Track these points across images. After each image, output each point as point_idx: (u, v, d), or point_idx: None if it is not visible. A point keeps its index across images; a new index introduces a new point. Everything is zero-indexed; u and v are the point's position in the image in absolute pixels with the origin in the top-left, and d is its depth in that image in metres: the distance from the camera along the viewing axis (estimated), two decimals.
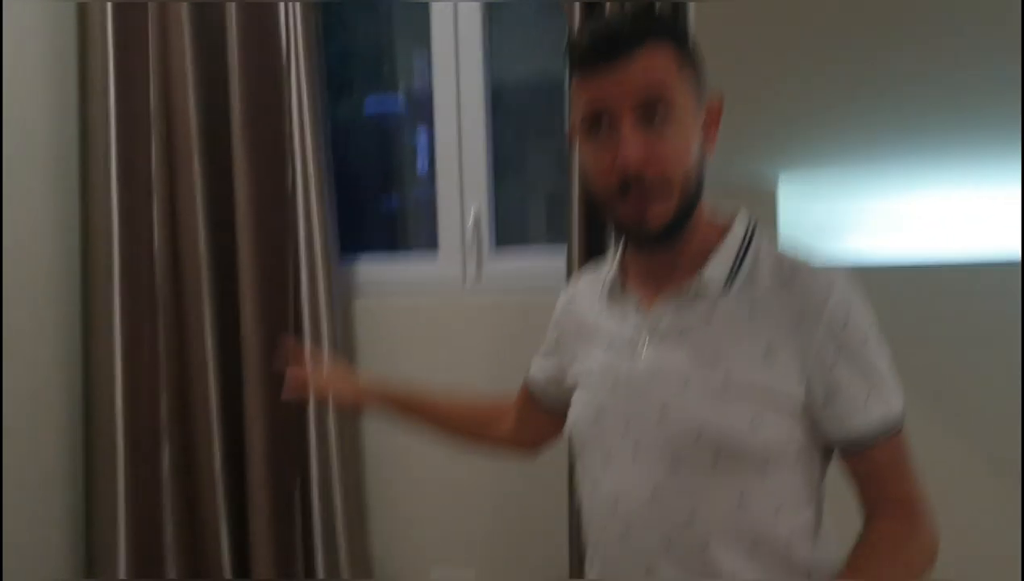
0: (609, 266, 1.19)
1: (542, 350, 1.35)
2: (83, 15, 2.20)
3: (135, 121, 2.18)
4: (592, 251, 2.01)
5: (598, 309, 1.18)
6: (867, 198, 2.00)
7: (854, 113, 1.76)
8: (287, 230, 2.18)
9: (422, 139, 2.41)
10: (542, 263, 2.18)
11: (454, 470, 2.16)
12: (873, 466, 1.05)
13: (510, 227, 2.33)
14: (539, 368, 1.35)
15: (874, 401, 1.03)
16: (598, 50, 1.00)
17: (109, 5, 2.14)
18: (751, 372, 1.01)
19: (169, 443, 2.19)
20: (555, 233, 2.27)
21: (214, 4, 2.17)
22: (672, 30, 1.04)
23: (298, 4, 2.14)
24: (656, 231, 1.04)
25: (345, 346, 2.24)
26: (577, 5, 1.86)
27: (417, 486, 2.23)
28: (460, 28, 2.25)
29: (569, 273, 2.00)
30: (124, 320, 2.16)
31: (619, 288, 1.15)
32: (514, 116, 2.36)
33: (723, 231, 1.10)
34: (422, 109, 2.35)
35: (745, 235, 1.10)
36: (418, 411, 1.46)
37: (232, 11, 2.13)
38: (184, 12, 2.13)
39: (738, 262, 1.07)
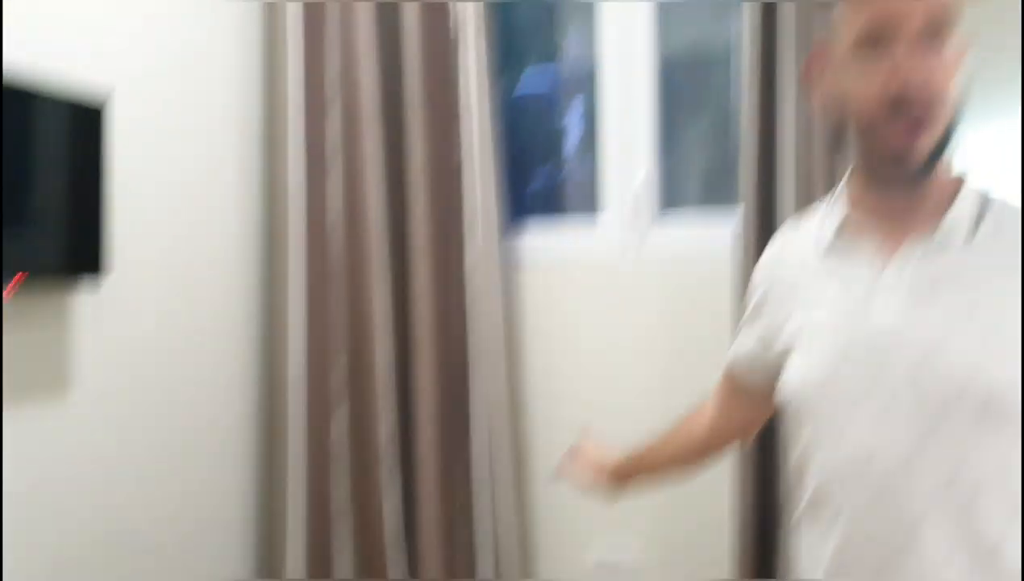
0: (828, 210, 1.12)
1: (742, 323, 1.25)
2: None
3: (317, 96, 2.29)
4: (764, 216, 1.98)
5: (814, 264, 1.10)
6: None
7: None
8: (458, 201, 2.23)
9: (584, 109, 2.42)
10: (707, 232, 2.17)
11: None
12: None
13: (675, 193, 2.31)
14: (742, 344, 1.24)
15: None
16: None
17: None
18: (1011, 324, 0.96)
19: (348, 406, 2.29)
20: (720, 201, 2.24)
21: None
22: None
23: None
24: (919, 161, 0.98)
25: (511, 316, 2.28)
26: None
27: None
28: None
29: (742, 237, 1.97)
30: (306, 289, 2.28)
31: (849, 233, 1.08)
32: (679, 84, 2.34)
33: (958, 183, 1.05)
34: (585, 80, 2.37)
35: (980, 191, 1.06)
36: (648, 468, 1.42)
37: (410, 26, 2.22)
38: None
39: (979, 212, 1.03)
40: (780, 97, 1.95)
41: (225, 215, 2.26)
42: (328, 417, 2.29)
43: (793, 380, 1.08)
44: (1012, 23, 1.53)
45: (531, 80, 2.51)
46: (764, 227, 1.96)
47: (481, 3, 2.23)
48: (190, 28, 2.13)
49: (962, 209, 1.03)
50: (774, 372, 1.13)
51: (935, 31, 0.96)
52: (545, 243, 2.34)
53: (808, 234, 1.14)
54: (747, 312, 1.23)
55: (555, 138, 2.53)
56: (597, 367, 2.24)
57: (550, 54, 2.52)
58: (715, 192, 2.29)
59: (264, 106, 2.36)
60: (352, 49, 2.26)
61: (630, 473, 1.41)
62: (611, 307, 2.23)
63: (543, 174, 2.54)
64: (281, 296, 2.29)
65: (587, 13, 2.32)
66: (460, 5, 2.21)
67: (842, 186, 1.13)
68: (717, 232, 2.11)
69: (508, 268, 2.28)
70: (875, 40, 0.98)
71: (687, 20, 2.33)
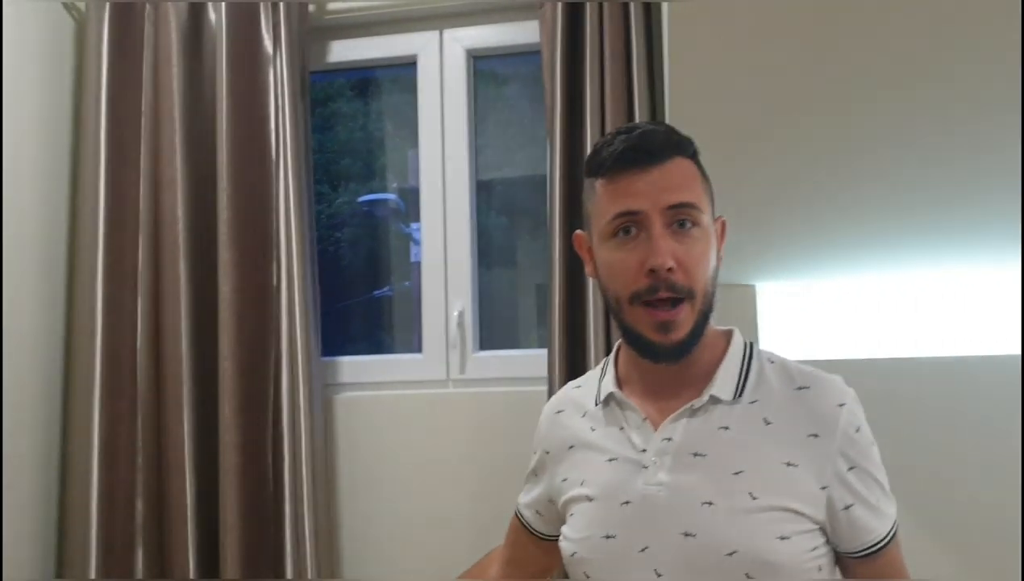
0: (601, 377, 1.18)
1: (528, 475, 1.28)
2: (78, 108, 2.23)
3: (123, 216, 2.20)
4: (574, 353, 2.03)
5: (592, 424, 1.15)
6: (846, 303, 2.02)
7: (827, 222, 1.79)
8: (270, 325, 2.17)
9: (411, 236, 2.43)
10: (522, 361, 2.21)
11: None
12: (882, 568, 1.06)
13: (496, 326, 2.34)
14: (527, 493, 1.27)
15: (885, 503, 1.06)
16: (635, 154, 1.03)
17: (103, 103, 2.18)
18: (774, 488, 1.01)
19: (143, 549, 2.14)
20: (543, 331, 2.29)
21: (205, 101, 2.21)
22: (695, 150, 1.09)
23: (287, 102, 2.19)
24: (676, 343, 1.03)
25: (325, 441, 2.22)
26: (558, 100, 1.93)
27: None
28: (447, 125, 2.30)
29: (551, 374, 2.01)
30: (103, 412, 2.13)
31: (619, 402, 1.12)
32: (501, 214, 2.40)
33: (723, 346, 1.11)
34: (412, 208, 2.39)
35: (745, 347, 1.12)
36: None
37: (223, 109, 2.17)
38: (176, 110, 2.17)
39: (743, 375, 1.08)
40: None
41: (23, 341, 2.11)
42: (126, 565, 2.13)
43: (573, 539, 1.11)
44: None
45: (368, 204, 2.51)
46: (573, 359, 2.03)
47: (301, 124, 2.22)
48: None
49: (726, 375, 1.08)
50: (558, 523, 1.17)
51: (682, 216, 1.03)
52: (365, 369, 2.30)
53: (583, 398, 1.19)
54: (530, 466, 1.26)
55: (388, 264, 2.52)
56: (412, 496, 2.21)
57: (383, 180, 2.53)
58: (541, 322, 2.34)
59: (67, 230, 2.24)
60: (159, 169, 2.19)
61: None
62: (426, 433, 2.21)
63: (375, 300, 2.53)
64: (75, 432, 2.14)
65: (411, 141, 2.35)
66: (279, 125, 2.19)
67: (614, 353, 1.19)
68: (532, 361, 2.14)
69: (321, 392, 2.23)
70: (626, 224, 1.04)
71: (506, 151, 2.40)
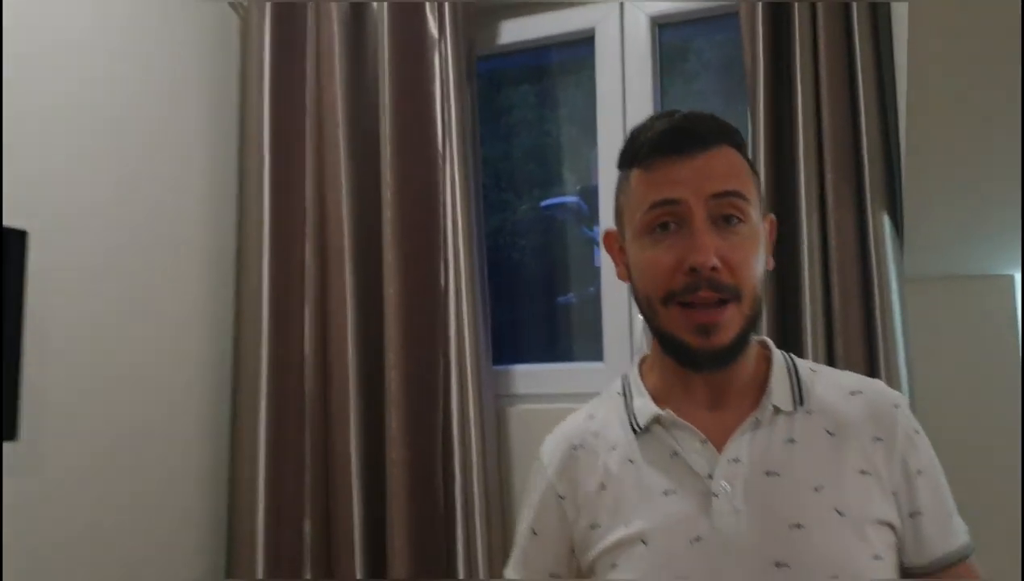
0: (627, 401, 1.04)
1: (523, 537, 1.08)
2: (243, 107, 2.14)
3: (290, 223, 2.09)
4: None
5: (629, 456, 1.00)
6: None
7: None
8: (437, 331, 1.99)
9: (595, 239, 2.21)
10: None
11: None
12: None
13: None
14: (535, 560, 1.06)
15: (956, 518, 0.99)
16: (677, 138, 0.94)
17: (267, 100, 2.08)
18: (858, 502, 0.92)
19: (311, 570, 2.01)
20: None
21: (369, 93, 2.07)
22: (741, 141, 1.00)
23: (452, 88, 2.01)
24: (720, 348, 0.93)
25: (499, 457, 2.02)
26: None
27: None
28: (628, 107, 2.05)
29: None
30: (270, 427, 2.02)
31: (667, 423, 0.98)
32: None
33: (765, 355, 1.03)
34: (595, 210, 2.17)
35: (785, 356, 1.04)
36: None
37: (386, 101, 2.02)
38: (339, 103, 2.04)
39: (796, 382, 1.00)
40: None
41: (191, 343, 2.05)
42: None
43: None
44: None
45: (549, 207, 2.32)
46: None
47: (468, 123, 2.04)
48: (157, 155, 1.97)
49: (780, 379, 0.99)
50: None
51: (728, 209, 0.93)
52: (544, 380, 2.08)
53: (606, 429, 1.04)
54: (528, 523, 1.08)
55: (568, 271, 2.31)
56: None
57: (563, 183, 2.33)
58: None
59: (236, 236, 2.14)
60: (324, 174, 2.06)
61: None
62: None
63: (554, 308, 2.32)
64: (242, 447, 2.03)
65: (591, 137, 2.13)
66: (446, 125, 2.02)
67: (636, 371, 1.07)
68: None
69: (493, 404, 2.02)
70: (665, 217, 0.94)
71: None
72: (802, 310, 1.65)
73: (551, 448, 1.09)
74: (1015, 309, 1.71)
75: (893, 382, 1.58)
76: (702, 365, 0.96)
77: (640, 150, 0.96)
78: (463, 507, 1.92)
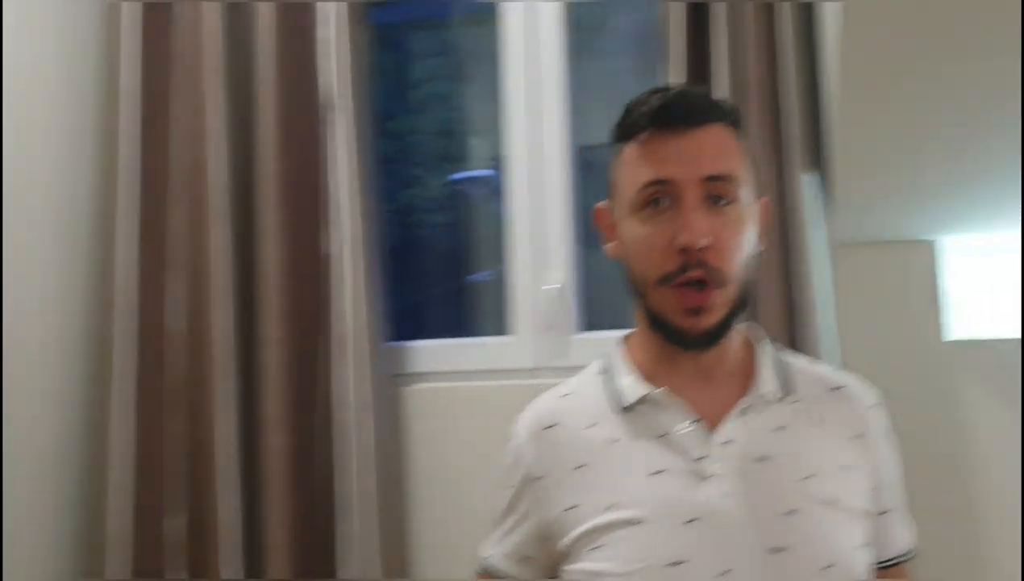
0: (609, 378, 1.03)
1: (499, 516, 1.07)
2: (108, 51, 1.90)
3: (160, 181, 1.85)
4: None
5: (612, 435, 0.98)
6: None
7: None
8: (323, 303, 1.78)
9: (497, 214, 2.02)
10: None
11: None
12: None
13: (604, 309, 1.89)
14: (506, 540, 1.06)
15: (908, 515, 1.03)
16: (672, 114, 0.94)
17: (135, 55, 1.84)
18: (845, 492, 0.94)
19: (181, 561, 1.79)
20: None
21: (247, 51, 1.85)
22: (737, 119, 1.00)
23: (336, 48, 1.80)
24: (706, 329, 0.94)
25: (393, 441, 1.81)
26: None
27: None
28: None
29: None
30: (135, 409, 1.80)
31: (656, 402, 0.98)
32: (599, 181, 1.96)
33: (751, 341, 1.04)
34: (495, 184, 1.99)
35: (770, 345, 1.05)
36: None
37: (266, 57, 1.80)
38: (216, 60, 1.81)
39: (783, 372, 1.01)
40: None
41: (43, 319, 1.80)
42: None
43: (615, 575, 0.91)
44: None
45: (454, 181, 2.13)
46: None
47: (359, 70, 1.82)
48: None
49: (767, 366, 1.00)
50: (553, 565, 0.99)
51: (719, 189, 0.93)
52: (440, 354, 1.89)
53: (586, 407, 1.03)
54: (505, 503, 1.06)
55: (478, 246, 2.12)
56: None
57: (467, 156, 2.13)
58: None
59: (94, 194, 1.90)
60: (197, 121, 1.83)
61: None
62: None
63: (460, 286, 2.14)
64: (104, 436, 1.79)
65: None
66: (332, 69, 1.80)
67: (620, 349, 1.06)
68: None
69: (387, 383, 1.82)
70: (655, 194, 0.94)
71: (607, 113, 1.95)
72: None
73: (525, 427, 1.06)
74: (934, 280, 1.62)
75: (811, 352, 1.46)
76: (688, 344, 0.96)
77: (636, 124, 0.96)
78: (352, 498, 1.72)
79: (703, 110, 0.95)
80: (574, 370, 1.73)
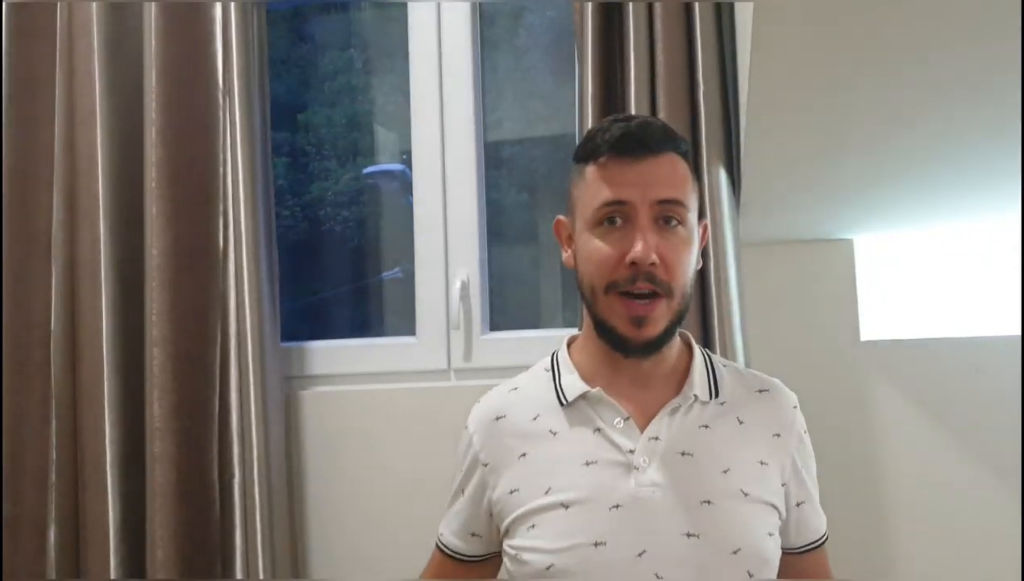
0: (555, 376, 1.12)
1: (454, 495, 1.17)
2: None
3: (32, 168, 1.72)
4: None
5: (552, 427, 1.08)
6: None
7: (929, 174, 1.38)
8: (214, 301, 1.67)
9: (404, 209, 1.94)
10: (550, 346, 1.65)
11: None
12: (818, 565, 1.13)
13: (511, 308, 1.84)
14: (456, 519, 1.16)
15: (819, 505, 1.13)
16: (631, 143, 1.02)
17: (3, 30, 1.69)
18: (757, 485, 1.04)
19: (57, 575, 1.66)
20: (570, 313, 1.79)
21: (133, 28, 1.72)
22: (687, 149, 1.08)
23: (235, 28, 1.69)
24: (648, 339, 1.03)
25: (287, 448, 1.72)
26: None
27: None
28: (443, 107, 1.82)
29: None
30: (8, 416, 1.67)
31: (592, 400, 1.07)
32: (508, 179, 1.90)
33: (687, 347, 1.13)
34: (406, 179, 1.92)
35: (703, 352, 1.13)
36: None
37: (152, 34, 1.68)
38: (95, 38, 1.68)
39: (712, 375, 1.10)
40: None
41: None
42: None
43: (544, 551, 1.02)
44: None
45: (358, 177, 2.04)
46: None
47: (253, 58, 1.71)
48: None
49: (700, 375, 1.09)
50: (498, 540, 1.11)
51: (668, 212, 1.02)
52: (339, 356, 1.80)
53: (531, 401, 1.11)
54: (456, 484, 1.16)
55: (389, 242, 2.04)
56: (400, 512, 1.69)
57: (374, 150, 2.04)
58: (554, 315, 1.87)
59: None
60: (75, 103, 1.69)
61: None
62: (422, 435, 1.70)
63: (369, 283, 2.06)
64: None
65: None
66: (227, 62, 1.69)
67: (564, 350, 1.15)
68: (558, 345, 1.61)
69: (281, 387, 1.72)
70: (612, 213, 1.02)
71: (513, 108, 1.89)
72: None
73: (476, 417, 1.15)
74: (853, 277, 1.61)
75: (728, 352, 1.45)
76: (631, 351, 1.04)
77: (597, 149, 1.04)
78: (243, 509, 1.62)
79: (659, 140, 1.03)
80: (479, 372, 1.71)
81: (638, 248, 0.99)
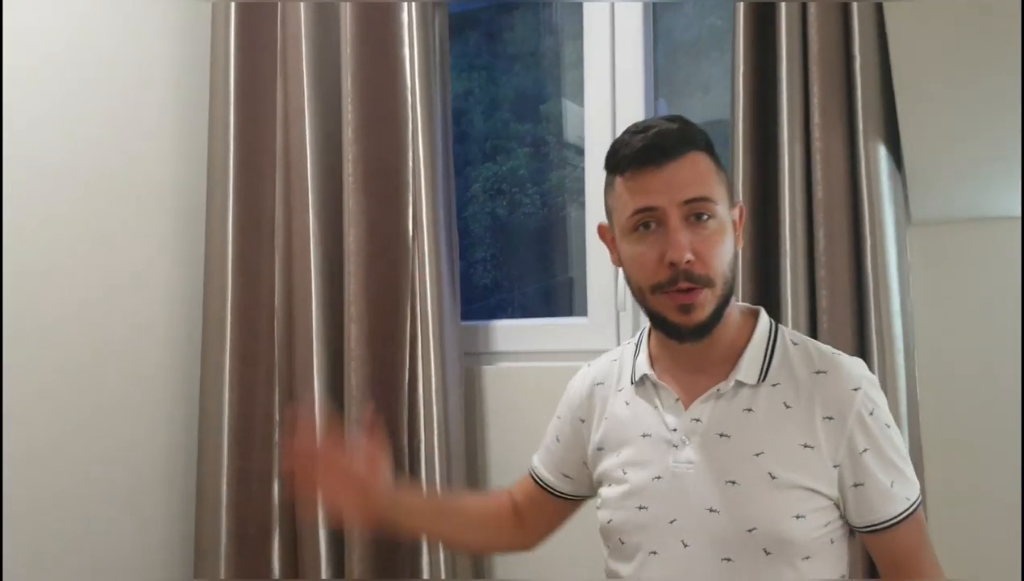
0: (635, 355, 1.22)
1: (550, 437, 1.34)
2: (213, 60, 2.01)
3: (256, 166, 1.97)
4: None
5: (627, 399, 1.21)
6: None
7: None
8: (404, 284, 1.84)
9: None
10: None
11: None
12: (895, 545, 1.12)
13: None
14: (551, 457, 1.33)
15: (899, 485, 1.10)
16: (651, 154, 1.08)
17: (232, 32, 1.95)
18: (792, 468, 1.07)
19: (279, 535, 1.91)
20: None
21: (333, 41, 1.93)
22: (708, 141, 1.12)
23: (417, 34, 1.84)
24: (697, 324, 1.09)
25: (466, 420, 1.86)
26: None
27: None
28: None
29: None
30: (235, 385, 1.93)
31: (653, 382, 1.18)
32: None
33: (750, 328, 1.16)
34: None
35: (770, 329, 1.17)
36: (425, 518, 1.36)
37: (348, 43, 1.87)
38: (303, 48, 1.89)
39: (767, 358, 1.13)
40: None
41: (159, 286, 1.98)
42: (262, 552, 1.93)
43: (609, 508, 1.18)
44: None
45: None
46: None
47: (437, 67, 1.86)
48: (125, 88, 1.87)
49: (751, 358, 1.13)
50: (580, 489, 1.30)
51: (697, 209, 1.07)
52: (515, 335, 1.91)
53: (620, 374, 1.24)
54: (554, 431, 1.33)
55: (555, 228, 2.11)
56: None
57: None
58: None
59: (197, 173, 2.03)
60: (288, 114, 1.92)
61: (401, 512, 1.29)
62: None
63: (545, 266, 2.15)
64: (208, 405, 1.94)
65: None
66: (414, 65, 1.84)
67: (647, 331, 1.23)
68: None
69: (460, 360, 1.87)
70: (645, 219, 1.09)
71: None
72: (781, 254, 1.42)
73: (583, 379, 1.30)
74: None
75: (885, 339, 1.37)
76: (684, 337, 1.11)
77: (621, 162, 1.11)
78: (428, 471, 1.78)
79: (677, 144, 1.08)
80: None
81: (674, 250, 1.05)
